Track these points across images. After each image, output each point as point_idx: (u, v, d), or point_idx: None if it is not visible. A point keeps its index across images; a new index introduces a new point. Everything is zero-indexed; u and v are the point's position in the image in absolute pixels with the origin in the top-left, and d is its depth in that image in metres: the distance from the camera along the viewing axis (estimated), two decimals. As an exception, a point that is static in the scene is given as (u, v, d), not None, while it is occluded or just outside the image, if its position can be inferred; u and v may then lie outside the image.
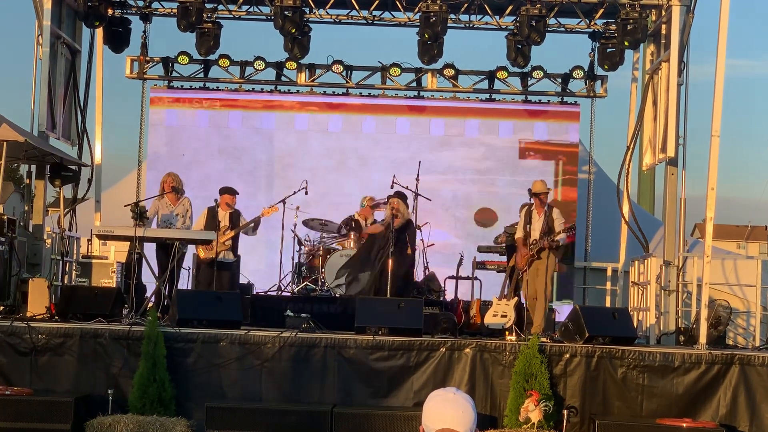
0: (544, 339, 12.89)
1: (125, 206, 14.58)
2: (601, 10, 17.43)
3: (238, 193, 16.17)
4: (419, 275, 16.64)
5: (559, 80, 19.31)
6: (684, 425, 11.86)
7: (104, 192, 18.80)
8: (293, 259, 16.88)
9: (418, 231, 16.24)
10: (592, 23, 17.97)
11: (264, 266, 18.50)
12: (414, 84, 19.44)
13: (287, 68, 19.07)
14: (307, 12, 17.60)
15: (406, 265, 15.40)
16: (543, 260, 14.79)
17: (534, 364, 12.14)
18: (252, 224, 16.16)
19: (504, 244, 16.53)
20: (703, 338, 13.19)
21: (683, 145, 15.49)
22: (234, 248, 16.01)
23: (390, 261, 14.82)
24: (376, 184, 17.42)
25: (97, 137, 18.20)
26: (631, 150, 16.49)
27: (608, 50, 17.77)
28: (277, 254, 17.14)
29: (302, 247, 16.83)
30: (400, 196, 15.57)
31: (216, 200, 15.92)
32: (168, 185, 15.64)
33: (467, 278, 16.51)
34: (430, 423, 4.33)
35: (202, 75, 19.34)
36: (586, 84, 19.26)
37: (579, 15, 17.78)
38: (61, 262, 15.67)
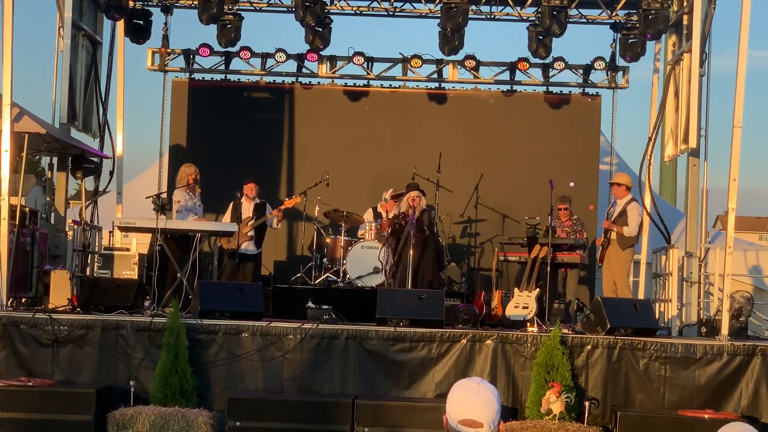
0: (565, 330, 12.86)
1: (147, 198, 14.59)
2: (623, 1, 17.37)
3: (258, 183, 16.21)
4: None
5: (581, 71, 19.16)
6: (706, 417, 11.81)
7: (126, 184, 18.83)
8: (314, 251, 16.89)
9: (438, 221, 16.25)
10: (614, 14, 17.89)
11: (285, 258, 18.52)
12: (435, 75, 19.33)
13: (308, 60, 19.00)
14: (328, 3, 17.60)
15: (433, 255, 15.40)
16: (613, 255, 14.98)
17: (555, 356, 12.12)
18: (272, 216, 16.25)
19: (525, 236, 16.48)
20: (725, 329, 13.14)
21: (705, 137, 15.42)
22: (258, 240, 16.04)
23: (413, 252, 14.82)
24: (398, 176, 17.34)
25: (119, 129, 18.22)
26: (652, 141, 16.42)
27: (630, 41, 17.67)
28: (299, 246, 17.17)
29: (324, 238, 16.81)
30: (417, 188, 15.64)
31: (237, 193, 15.99)
32: (191, 177, 15.62)
33: (488, 270, 16.48)
34: (454, 413, 4.32)
35: (223, 67, 19.31)
36: (607, 75, 19.11)
37: (600, 6, 17.71)
38: (82, 253, 15.71)
